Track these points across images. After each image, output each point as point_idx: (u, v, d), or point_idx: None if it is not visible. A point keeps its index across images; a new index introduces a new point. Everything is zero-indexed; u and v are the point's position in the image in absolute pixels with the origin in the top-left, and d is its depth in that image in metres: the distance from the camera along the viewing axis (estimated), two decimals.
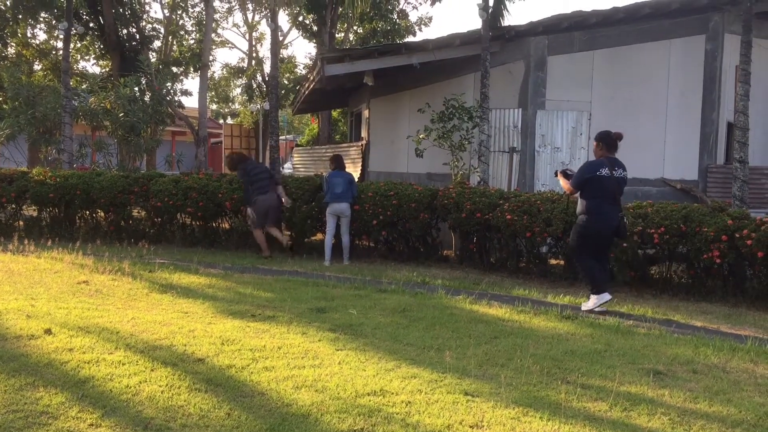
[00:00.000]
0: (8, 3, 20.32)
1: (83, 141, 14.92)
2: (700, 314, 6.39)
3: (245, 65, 31.89)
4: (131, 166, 14.19)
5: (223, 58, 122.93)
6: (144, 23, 24.69)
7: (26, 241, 9.05)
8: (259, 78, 28.82)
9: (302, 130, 40.77)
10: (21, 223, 10.98)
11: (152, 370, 3.95)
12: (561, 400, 3.73)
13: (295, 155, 19.43)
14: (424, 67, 11.31)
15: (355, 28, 27.89)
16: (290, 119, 39.95)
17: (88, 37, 22.84)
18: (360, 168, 13.36)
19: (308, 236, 9.79)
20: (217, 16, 27.92)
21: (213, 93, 35.74)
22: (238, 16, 50.67)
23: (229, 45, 39.85)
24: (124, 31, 22.41)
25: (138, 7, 23.63)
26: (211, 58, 22.63)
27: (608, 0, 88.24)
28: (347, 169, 9.76)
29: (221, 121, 36.39)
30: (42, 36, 32.61)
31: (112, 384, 3.71)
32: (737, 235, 6.69)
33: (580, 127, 10.99)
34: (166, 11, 26.68)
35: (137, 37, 22.92)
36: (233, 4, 28.74)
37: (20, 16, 21.03)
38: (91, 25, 22.06)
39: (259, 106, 24.13)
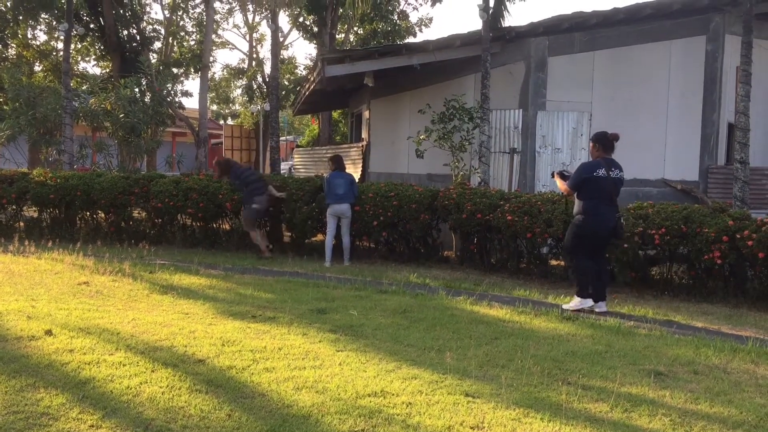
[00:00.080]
0: (9, 4, 20.34)
1: (84, 142, 14.93)
2: (701, 315, 6.38)
3: (246, 66, 31.92)
4: (132, 167, 14.19)
5: (223, 59, 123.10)
6: (144, 24, 24.73)
7: (27, 242, 9.06)
8: (260, 79, 28.85)
9: (303, 131, 40.79)
10: (21, 224, 10.98)
11: (153, 371, 3.95)
12: (562, 401, 3.73)
13: (296, 156, 19.44)
14: (424, 68, 11.31)
15: (355, 29, 27.91)
16: (291, 120, 39.98)
17: (88, 38, 22.86)
18: (360, 169, 13.36)
19: (309, 237, 9.78)
20: (217, 17, 27.94)
21: (213, 94, 35.78)
22: (238, 17, 50.65)
23: (230, 46, 39.94)
24: (125, 32, 22.42)
25: (138, 8, 23.65)
26: (211, 59, 22.66)
27: (609, 1, 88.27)
28: (348, 170, 9.76)
29: (222, 122, 36.43)
30: (42, 37, 32.66)
31: (113, 385, 3.71)
32: (738, 236, 6.69)
33: (581, 128, 10.99)
34: (166, 12, 26.70)
35: (138, 38, 22.94)
36: (233, 5, 28.75)
37: (21, 17, 21.05)
38: (92, 26, 22.08)
39: (259, 107, 24.14)
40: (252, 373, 4.00)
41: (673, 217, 7.16)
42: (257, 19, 30.19)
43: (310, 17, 25.63)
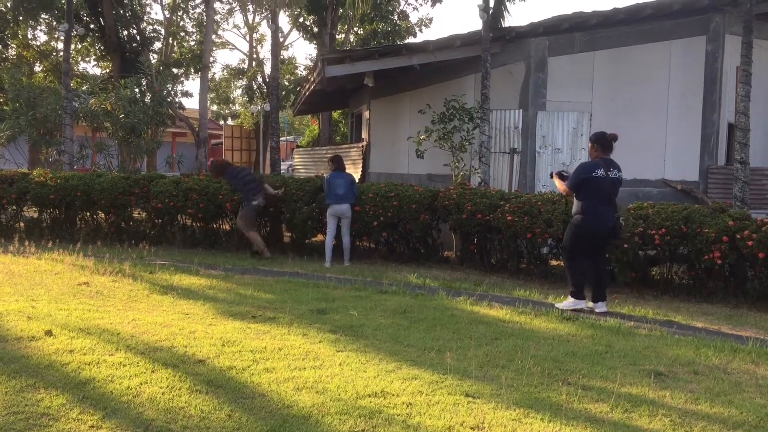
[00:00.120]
0: (9, 4, 20.34)
1: (84, 142, 14.93)
2: (701, 315, 6.38)
3: (246, 66, 31.93)
4: (132, 168, 14.19)
5: (223, 60, 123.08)
6: (144, 25, 24.74)
7: (27, 243, 9.06)
8: (260, 79, 28.85)
9: (303, 131, 40.80)
10: (22, 224, 10.98)
11: (153, 372, 3.95)
12: (562, 401, 3.73)
13: (296, 156, 19.45)
14: (424, 69, 11.31)
15: (355, 29, 27.91)
16: (291, 120, 39.99)
17: (88, 38, 22.86)
18: (361, 169, 13.36)
19: (309, 237, 9.78)
20: (217, 17, 27.94)
21: (213, 94, 35.77)
22: (238, 18, 50.67)
23: (230, 46, 39.97)
24: (125, 33, 22.43)
25: (138, 8, 23.66)
26: (211, 59, 22.67)
27: (609, 1, 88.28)
28: (348, 170, 9.76)
29: (222, 123, 36.44)
30: (42, 37, 32.68)
31: (113, 385, 3.71)
32: (738, 236, 6.69)
33: (581, 128, 10.99)
34: (166, 13, 26.71)
35: (138, 38, 22.95)
36: (234, 5, 28.75)
37: (21, 18, 21.06)
38: (92, 26, 22.09)
39: (259, 107, 24.14)
40: (252, 374, 4.00)
41: (674, 217, 7.16)
42: (257, 19, 30.22)
43: (310, 17, 25.64)
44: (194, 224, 10.34)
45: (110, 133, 14.53)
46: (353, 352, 4.55)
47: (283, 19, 26.85)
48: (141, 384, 3.74)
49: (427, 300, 6.51)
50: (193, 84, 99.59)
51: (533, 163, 10.97)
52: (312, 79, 13.50)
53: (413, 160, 11.39)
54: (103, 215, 10.71)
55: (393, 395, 3.71)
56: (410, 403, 3.60)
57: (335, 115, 27.36)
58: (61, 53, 17.38)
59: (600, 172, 6.16)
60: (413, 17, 42.02)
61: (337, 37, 26.05)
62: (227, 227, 10.37)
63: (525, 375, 4.18)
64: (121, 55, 21.25)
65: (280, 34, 20.91)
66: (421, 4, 35.35)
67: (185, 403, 3.50)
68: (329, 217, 9.04)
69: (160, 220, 10.36)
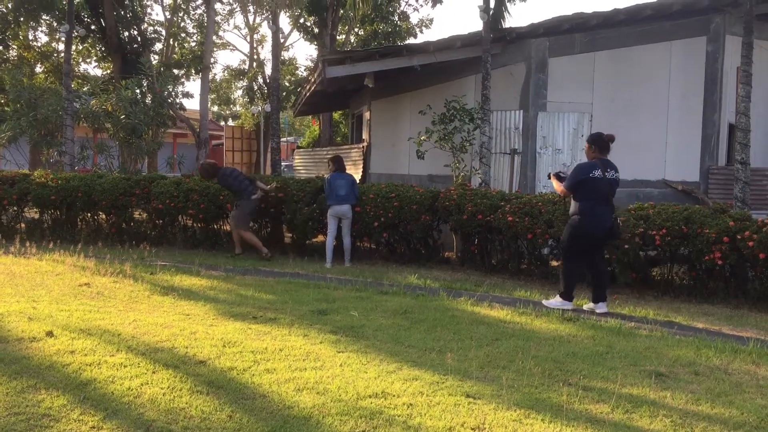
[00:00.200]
0: (10, 5, 20.36)
1: (85, 143, 14.94)
2: (701, 316, 6.38)
3: (246, 67, 31.94)
4: (133, 169, 14.20)
5: (224, 61, 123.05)
6: (145, 26, 24.74)
7: (28, 244, 9.06)
8: (260, 80, 28.85)
9: (303, 132, 40.81)
10: (22, 225, 10.99)
11: (154, 373, 3.95)
12: (563, 402, 3.73)
13: (296, 157, 19.45)
14: (425, 69, 11.32)
15: (356, 30, 27.92)
16: (291, 121, 40.00)
17: (89, 39, 22.87)
18: (361, 170, 13.37)
19: (309, 238, 9.79)
20: (218, 18, 27.95)
21: (214, 95, 35.81)
22: (239, 18, 50.78)
23: (231, 47, 40.03)
24: (126, 34, 22.44)
25: (139, 9, 23.67)
26: (212, 60, 22.68)
27: (609, 2, 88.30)
28: (348, 171, 9.77)
29: (222, 123, 36.45)
30: (43, 38, 32.75)
31: (114, 386, 3.71)
32: (739, 237, 6.69)
33: (582, 129, 10.99)
34: (167, 13, 26.72)
35: (138, 39, 22.95)
36: (234, 6, 28.77)
37: (22, 19, 21.07)
38: (93, 27, 22.10)
39: (260, 108, 24.15)
40: (253, 375, 4.00)
41: (674, 217, 7.16)
42: (258, 20, 30.24)
43: (310, 18, 25.64)
44: (195, 225, 10.34)
45: (111, 134, 14.54)
46: (354, 352, 4.55)
47: (284, 20, 26.88)
48: (142, 385, 3.74)
49: (427, 301, 6.52)
50: (193, 85, 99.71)
51: (534, 163, 10.98)
52: (313, 79, 13.51)
53: (414, 160, 11.39)
54: (104, 216, 10.71)
55: (394, 396, 3.72)
56: (411, 404, 3.60)
57: (336, 115, 27.37)
58: (62, 54, 17.39)
59: (597, 172, 6.18)
60: (414, 18, 42.02)
61: (337, 38, 26.06)
62: (228, 228, 10.37)
63: (526, 376, 4.18)
64: (122, 56, 21.26)
65: (280, 35, 20.93)
66: (421, 5, 35.35)
67: (186, 403, 3.50)
68: (330, 218, 9.04)
69: (161, 221, 10.37)
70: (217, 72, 37.41)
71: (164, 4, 26.54)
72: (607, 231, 6.26)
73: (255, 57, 31.56)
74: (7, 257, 8.36)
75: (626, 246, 7.16)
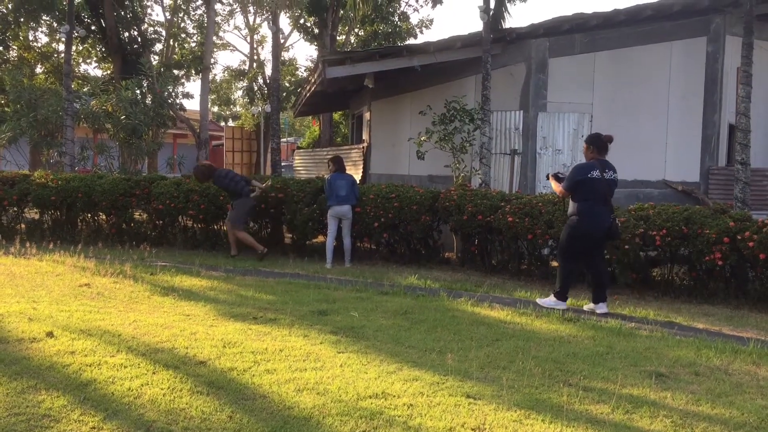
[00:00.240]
0: (10, 6, 20.36)
1: (85, 144, 14.93)
2: (702, 316, 6.38)
3: (246, 68, 31.92)
4: (133, 169, 14.20)
5: (224, 61, 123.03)
6: (145, 26, 24.72)
7: (28, 244, 9.07)
8: (261, 80, 28.84)
9: (303, 133, 40.81)
10: (23, 225, 10.99)
11: (154, 373, 3.95)
12: (563, 402, 3.73)
13: (296, 158, 19.45)
14: (425, 70, 11.32)
15: (356, 30, 27.93)
16: (291, 122, 39.99)
17: (89, 40, 22.87)
18: (361, 170, 13.37)
19: (310, 239, 9.79)
20: (218, 18, 27.93)
21: (214, 96, 35.77)
22: (239, 19, 50.83)
23: (231, 48, 40.00)
24: (126, 34, 22.43)
25: (139, 10, 23.66)
26: (212, 60, 22.66)
27: (609, 2, 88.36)
28: (348, 172, 9.77)
29: (222, 124, 36.44)
30: (44, 39, 32.72)
31: (114, 387, 3.71)
32: (739, 237, 6.69)
33: (582, 129, 10.99)
34: (167, 14, 26.70)
35: (139, 40, 22.95)
36: (234, 6, 28.75)
37: (22, 19, 21.06)
38: (93, 28, 22.09)
39: (260, 109, 24.15)
40: (253, 375, 4.00)
41: (674, 218, 7.16)
42: (258, 20, 30.23)
43: (310, 19, 25.65)
44: (195, 225, 10.35)
45: (111, 135, 14.54)
46: (354, 353, 4.55)
47: (284, 21, 26.87)
48: (142, 385, 3.74)
49: (428, 301, 6.52)
50: (194, 85, 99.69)
51: (534, 164, 10.97)
52: (313, 80, 13.51)
53: (414, 161, 11.39)
54: (104, 217, 10.71)
55: (394, 396, 3.72)
56: (411, 405, 3.60)
57: (336, 116, 27.36)
58: (62, 55, 17.40)
59: (595, 173, 6.19)
60: (414, 18, 42.08)
61: (337, 38, 26.06)
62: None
63: (526, 376, 4.18)
64: (122, 56, 21.25)
65: (280, 36, 20.92)
66: (421, 6, 35.40)
67: (186, 404, 3.50)
68: (330, 219, 9.04)
69: (161, 222, 10.37)
70: (218, 72, 37.47)
71: (164, 5, 26.53)
72: (606, 231, 6.28)
73: (255, 57, 31.55)
74: (8, 258, 8.36)
75: (626, 246, 7.16)
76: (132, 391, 3.66)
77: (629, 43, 11.15)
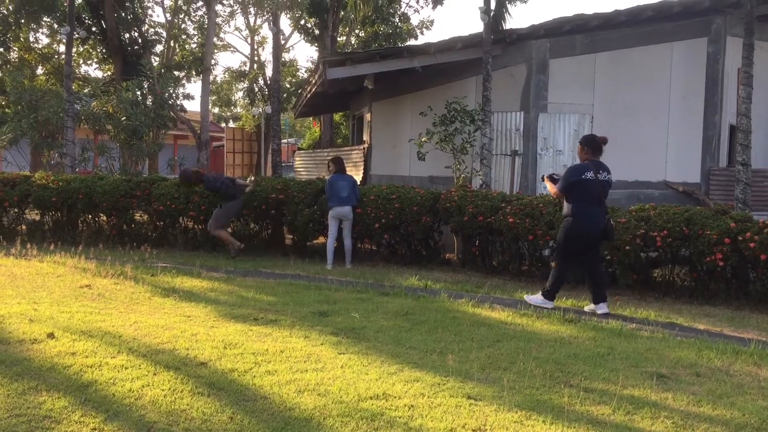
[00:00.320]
0: (11, 7, 20.38)
1: (85, 145, 14.94)
2: (703, 317, 6.37)
3: (247, 69, 31.94)
4: (133, 170, 14.20)
5: (225, 62, 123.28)
6: (146, 27, 24.73)
7: (29, 245, 9.07)
8: (261, 81, 28.86)
9: (304, 134, 40.82)
10: (24, 227, 10.99)
11: (155, 374, 3.95)
12: (564, 403, 3.72)
13: (297, 159, 19.46)
14: (425, 71, 11.33)
15: (356, 31, 27.93)
16: (292, 123, 40.01)
17: (90, 41, 22.88)
18: (362, 171, 13.37)
19: (310, 240, 9.79)
20: (218, 20, 27.93)
21: (215, 97, 35.80)
22: (239, 20, 50.87)
23: (231, 49, 39.97)
24: (126, 36, 22.45)
25: (140, 11, 23.68)
26: (213, 61, 22.59)
27: (610, 3, 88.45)
28: (349, 172, 9.78)
29: (223, 125, 36.46)
30: (44, 40, 32.63)
31: (115, 388, 3.71)
32: (740, 238, 6.68)
33: (582, 130, 10.98)
34: (168, 15, 26.70)
35: (139, 41, 22.96)
36: (235, 8, 28.77)
37: (23, 21, 21.08)
38: (94, 29, 22.11)
39: (261, 110, 24.17)
40: (254, 376, 4.00)
41: (675, 219, 7.16)
42: (259, 21, 30.24)
43: (311, 20, 25.66)
44: (196, 227, 10.35)
45: (112, 136, 14.54)
46: (355, 354, 4.55)
47: (285, 22, 26.90)
48: (143, 387, 3.74)
49: (428, 302, 6.51)
50: (194, 86, 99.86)
51: (534, 165, 10.97)
52: (313, 81, 13.52)
53: (414, 162, 11.39)
54: (104, 218, 10.71)
55: (395, 398, 3.71)
56: (412, 406, 3.59)
57: (336, 117, 27.37)
58: (63, 56, 17.42)
59: (590, 174, 6.21)
60: (414, 19, 42.08)
61: (338, 39, 26.07)
62: (229, 229, 10.37)
63: (527, 377, 4.17)
64: (123, 57, 21.27)
65: (281, 37, 20.96)
66: (422, 7, 35.44)
67: (187, 405, 3.50)
68: (331, 220, 9.04)
69: (161, 223, 10.38)
70: (218, 74, 37.41)
71: (165, 6, 26.55)
72: (601, 232, 6.30)
73: (256, 59, 31.57)
74: (8, 259, 8.37)
75: (627, 247, 7.15)
76: (133, 392, 3.66)
77: (630, 43, 11.15)
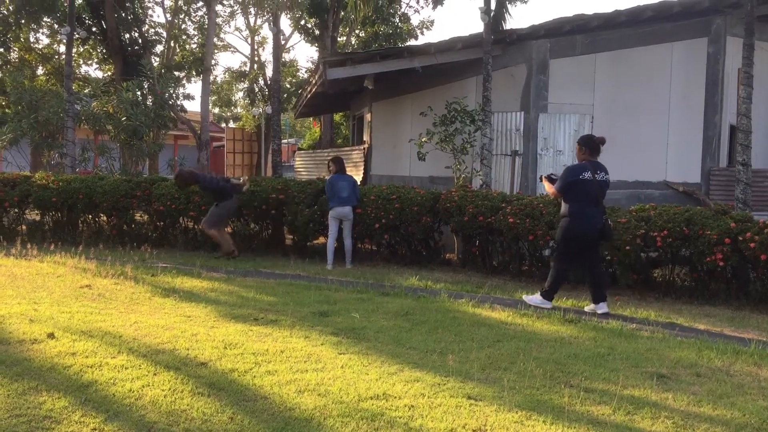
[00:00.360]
0: (11, 7, 20.38)
1: (86, 145, 14.94)
2: (703, 317, 6.37)
3: (247, 69, 31.93)
4: (134, 170, 14.20)
5: (225, 62, 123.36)
6: (146, 27, 24.71)
7: (29, 246, 9.07)
8: (261, 82, 28.85)
9: (304, 134, 40.82)
10: (24, 227, 10.99)
11: (155, 375, 3.95)
12: (564, 403, 3.72)
13: (297, 159, 19.46)
14: (426, 71, 11.33)
15: (357, 31, 27.93)
16: (292, 123, 40.02)
17: (90, 41, 22.87)
18: (362, 171, 13.38)
19: (310, 240, 9.79)
20: (219, 20, 27.91)
21: (215, 97, 35.78)
22: (240, 20, 50.84)
23: (232, 49, 39.87)
24: (127, 36, 22.43)
25: (140, 11, 23.67)
26: (213, 62, 22.54)
27: (610, 3, 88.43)
28: (349, 173, 9.78)
29: (223, 125, 36.45)
30: (45, 40, 32.59)
31: (115, 388, 3.71)
32: (740, 238, 6.68)
33: (583, 130, 10.98)
34: (168, 15, 26.67)
35: (139, 41, 22.95)
36: (235, 8, 28.76)
37: (23, 21, 21.08)
38: (94, 29, 22.10)
39: (261, 110, 24.17)
40: (254, 376, 4.00)
41: (675, 219, 7.15)
42: (259, 22, 30.21)
43: (311, 20, 25.66)
44: (196, 227, 10.34)
45: (112, 136, 14.55)
46: (355, 354, 4.55)
47: (285, 22, 26.90)
48: (143, 387, 3.74)
49: (429, 302, 6.51)
50: (194, 87, 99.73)
51: (535, 165, 10.97)
52: (313, 81, 13.52)
53: (415, 162, 11.39)
54: (105, 218, 10.71)
55: (395, 398, 3.71)
56: (412, 406, 3.59)
57: (337, 117, 27.37)
58: (63, 56, 17.42)
59: (587, 174, 6.22)
60: (414, 20, 42.03)
61: (338, 39, 26.07)
62: (229, 230, 10.38)
63: (527, 377, 4.17)
64: (123, 58, 21.26)
65: (281, 37, 20.96)
66: (422, 7, 35.44)
67: (187, 405, 3.50)
68: (331, 220, 9.04)
69: (161, 223, 10.38)
70: (218, 74, 37.34)
71: (165, 6, 26.53)
72: (598, 232, 6.30)
73: (256, 59, 31.55)
74: (9, 259, 8.37)
75: (627, 247, 7.15)
76: (133, 392, 3.66)
77: (630, 44, 11.15)
